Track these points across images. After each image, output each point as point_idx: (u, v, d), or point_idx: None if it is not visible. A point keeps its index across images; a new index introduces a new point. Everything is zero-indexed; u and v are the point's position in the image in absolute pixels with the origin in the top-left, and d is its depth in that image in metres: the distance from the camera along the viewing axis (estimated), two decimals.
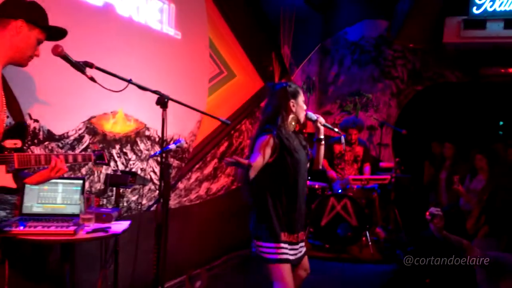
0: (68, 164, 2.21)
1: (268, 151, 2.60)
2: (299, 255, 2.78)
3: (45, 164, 2.10)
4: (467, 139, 6.22)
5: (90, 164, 2.91)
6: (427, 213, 2.66)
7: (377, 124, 7.09)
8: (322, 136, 2.91)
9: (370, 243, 5.34)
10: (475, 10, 6.20)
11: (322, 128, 2.90)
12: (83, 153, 2.46)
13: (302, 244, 2.83)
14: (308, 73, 7.18)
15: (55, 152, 2.31)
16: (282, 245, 2.64)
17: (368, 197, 5.60)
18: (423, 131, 6.57)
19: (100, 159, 2.46)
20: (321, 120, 2.89)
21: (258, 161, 2.53)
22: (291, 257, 2.70)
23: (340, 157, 5.83)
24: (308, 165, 2.88)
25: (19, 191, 2.27)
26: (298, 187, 2.72)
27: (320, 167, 3.00)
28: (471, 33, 6.13)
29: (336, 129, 3.06)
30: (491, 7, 6.12)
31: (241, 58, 5.20)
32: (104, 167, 3.35)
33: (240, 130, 5.28)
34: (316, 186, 5.61)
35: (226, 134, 5.02)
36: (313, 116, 2.88)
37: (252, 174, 2.51)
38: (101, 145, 3.35)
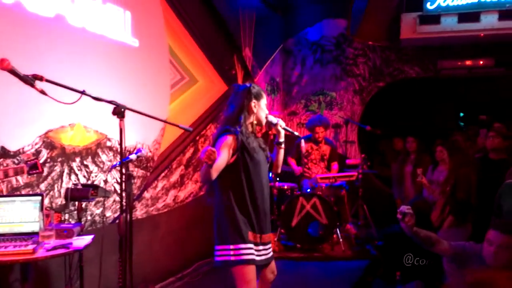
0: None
1: (229, 152, 2.60)
2: (265, 256, 2.76)
3: None
4: (430, 132, 6.36)
5: (24, 176, 2.80)
6: (398, 212, 2.69)
7: (342, 122, 7.19)
8: (282, 140, 2.92)
9: (341, 240, 5.37)
10: (429, 6, 6.36)
11: (282, 132, 2.90)
12: (13, 166, 2.40)
13: (269, 245, 2.81)
14: (272, 74, 7.20)
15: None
16: (248, 245, 2.61)
17: (337, 195, 5.63)
18: (387, 126, 6.68)
19: (34, 168, 2.41)
20: (281, 123, 2.89)
21: (220, 161, 2.52)
22: (256, 258, 2.67)
23: (307, 156, 5.87)
24: (267, 167, 2.89)
25: None
26: (259, 187, 2.71)
27: (279, 170, 3.02)
28: (427, 28, 6.28)
29: (296, 133, 3.08)
30: (444, 2, 6.29)
31: (203, 62, 5.18)
32: (65, 180, 3.28)
33: (205, 136, 5.24)
34: (285, 187, 5.61)
35: (191, 140, 4.98)
36: (274, 119, 2.88)
37: (214, 174, 2.50)
38: (60, 159, 3.27)
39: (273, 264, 2.88)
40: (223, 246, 2.62)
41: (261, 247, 2.73)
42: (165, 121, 2.91)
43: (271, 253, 2.83)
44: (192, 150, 5.00)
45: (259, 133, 3.02)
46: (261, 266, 2.77)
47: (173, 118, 4.51)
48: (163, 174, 4.51)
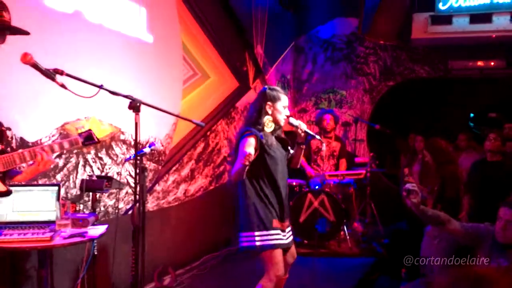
0: (56, 154, 2.18)
1: (252, 151, 2.79)
2: (288, 240, 2.97)
3: (30, 160, 2.12)
4: (438, 132, 6.35)
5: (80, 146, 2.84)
6: (403, 189, 2.75)
7: (352, 120, 7.17)
8: (301, 141, 3.10)
9: (348, 237, 5.40)
10: (441, 6, 6.34)
11: (302, 134, 3.05)
12: (69, 138, 2.41)
13: (289, 230, 3.03)
14: (283, 71, 7.23)
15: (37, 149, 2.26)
16: (273, 231, 2.83)
17: (344, 192, 5.64)
18: (396, 126, 6.64)
19: (89, 139, 2.40)
20: (302, 126, 3.03)
21: None
22: (283, 241, 2.90)
23: (317, 152, 5.90)
24: (286, 162, 3.07)
25: (9, 193, 2.24)
26: (279, 179, 2.92)
27: (298, 166, 3.23)
28: (438, 28, 6.28)
29: (317, 136, 3.17)
30: (456, 2, 6.27)
31: (215, 59, 5.22)
32: (80, 172, 3.35)
33: (216, 131, 5.29)
34: (294, 183, 5.62)
35: (202, 135, 5.03)
36: (295, 122, 3.03)
37: (245, 171, 2.75)
38: (75, 151, 3.32)
39: (293, 248, 3.08)
40: (248, 233, 2.84)
41: (284, 233, 2.95)
42: (178, 116, 3.00)
43: (291, 238, 3.04)
44: (202, 145, 5.05)
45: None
46: (285, 248, 2.96)
47: (184, 113, 4.56)
48: (174, 168, 4.57)
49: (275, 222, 2.87)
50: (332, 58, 7.55)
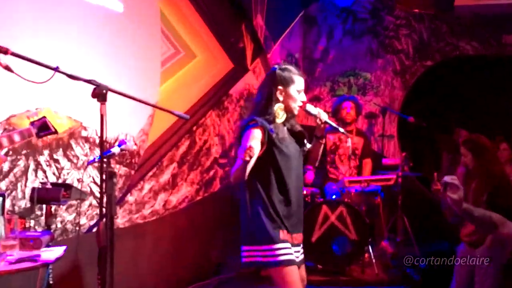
0: (4, 150, 2.17)
1: (257, 145, 2.83)
2: (299, 259, 3.01)
3: None
4: (490, 125, 6.26)
5: (33, 139, 2.81)
6: (438, 184, 2.80)
7: (379, 111, 7.11)
8: (320, 134, 3.17)
9: (374, 260, 5.32)
10: None
11: (322, 126, 3.13)
12: (19, 129, 2.42)
13: (301, 247, 3.07)
14: (289, 49, 7.19)
15: None
16: (280, 245, 2.86)
17: (370, 203, 5.58)
18: (436, 118, 6.67)
19: (44, 129, 2.43)
20: (323, 116, 3.09)
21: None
22: (296, 258, 2.94)
23: (334, 150, 5.86)
24: (302, 160, 3.13)
25: None
26: (291, 182, 2.96)
27: (317, 164, 3.37)
28: None
29: (341, 129, 3.25)
30: None
31: (203, 33, 5.19)
32: (30, 178, 3.34)
33: (204, 126, 5.24)
34: (305, 192, 5.42)
35: (187, 131, 4.99)
36: (313, 109, 3.09)
37: (247, 170, 2.77)
38: (24, 151, 3.31)
39: (303, 270, 3.11)
40: (250, 247, 2.91)
41: (295, 248, 2.98)
42: (155, 106, 3.02)
43: (302, 256, 3.08)
44: (187, 144, 5.02)
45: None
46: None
47: (164, 102, 4.51)
48: (150, 173, 4.54)
49: (283, 234, 2.90)
50: (352, 31, 7.51)
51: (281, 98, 2.99)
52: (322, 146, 3.25)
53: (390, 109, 7.00)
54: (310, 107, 3.08)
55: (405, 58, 7.40)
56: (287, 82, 3.01)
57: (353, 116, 5.90)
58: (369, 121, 7.43)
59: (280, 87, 2.99)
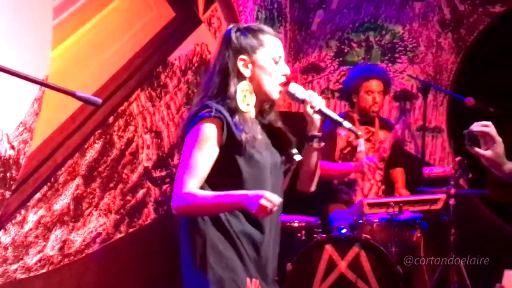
0: None
1: (214, 149, 2.43)
2: None
3: None
4: None
5: None
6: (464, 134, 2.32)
7: (416, 89, 5.95)
8: (316, 133, 2.63)
9: None
10: None
11: (316, 118, 2.58)
12: None
13: None
14: None
15: None
16: None
17: (403, 241, 4.59)
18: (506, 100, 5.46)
19: None
20: (316, 101, 2.54)
21: (201, 169, 2.41)
22: None
23: (348, 155, 4.79)
24: (283, 175, 2.64)
25: None
26: None
27: (313, 188, 2.78)
28: None
29: (348, 124, 2.61)
30: None
31: None
32: None
33: (127, 116, 4.51)
34: (296, 224, 4.50)
35: (100, 123, 4.35)
36: (301, 93, 2.56)
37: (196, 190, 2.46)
38: None
39: None
40: None
41: None
42: (43, 84, 2.74)
43: None
44: (98, 147, 4.36)
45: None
46: None
47: (59, 77, 4.01)
48: (38, 195, 4.04)
49: (250, 283, 2.46)
50: None
51: (247, 73, 2.46)
52: (320, 153, 2.64)
53: (435, 85, 5.84)
54: (295, 88, 2.54)
55: (459, 1, 6.06)
56: (252, 48, 2.51)
57: (381, 103, 4.84)
58: (401, 106, 6.20)
59: (243, 56, 2.47)
